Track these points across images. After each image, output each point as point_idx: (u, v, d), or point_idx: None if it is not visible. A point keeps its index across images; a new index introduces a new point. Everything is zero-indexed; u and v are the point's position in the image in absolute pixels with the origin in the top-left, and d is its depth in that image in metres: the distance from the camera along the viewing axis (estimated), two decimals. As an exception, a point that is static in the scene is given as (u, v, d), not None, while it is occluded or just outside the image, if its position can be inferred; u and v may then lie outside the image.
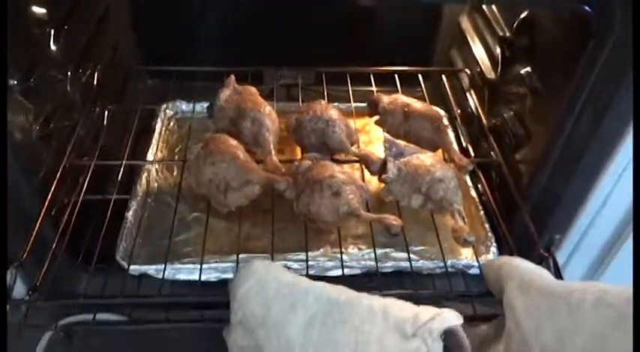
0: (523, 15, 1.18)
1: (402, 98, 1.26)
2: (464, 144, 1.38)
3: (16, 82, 0.96)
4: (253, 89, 1.25)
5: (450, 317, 0.58)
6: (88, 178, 1.13)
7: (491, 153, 1.24)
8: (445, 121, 1.34)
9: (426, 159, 1.08)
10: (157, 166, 1.29)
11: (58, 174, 1.06)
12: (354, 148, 1.17)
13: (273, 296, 0.69)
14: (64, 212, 1.05)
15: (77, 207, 1.07)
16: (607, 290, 0.64)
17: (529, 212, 1.05)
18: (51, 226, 1.01)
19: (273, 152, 1.11)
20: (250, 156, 1.09)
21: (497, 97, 1.30)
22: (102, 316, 0.95)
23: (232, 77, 1.26)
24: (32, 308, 0.91)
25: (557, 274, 0.96)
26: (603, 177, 0.94)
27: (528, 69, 1.15)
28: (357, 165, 1.21)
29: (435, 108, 1.29)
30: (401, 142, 1.24)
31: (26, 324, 0.89)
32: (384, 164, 1.08)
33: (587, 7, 0.81)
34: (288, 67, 1.50)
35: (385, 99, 1.26)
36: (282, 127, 1.21)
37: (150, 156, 1.31)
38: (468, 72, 1.49)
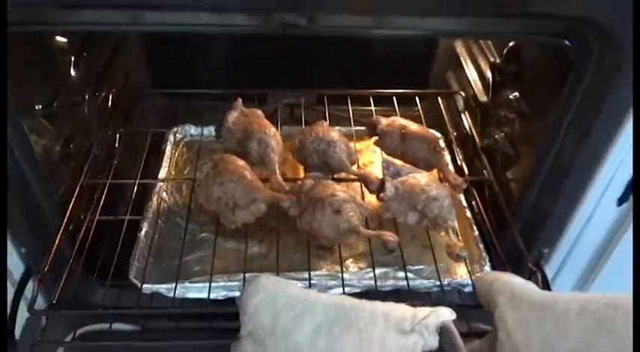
0: (511, 44, 1.24)
1: (399, 120, 1.31)
2: (459, 163, 1.42)
3: (40, 107, 1.02)
4: (259, 112, 1.30)
5: (444, 313, 0.62)
6: (103, 196, 1.19)
7: (484, 171, 1.29)
8: (441, 143, 1.38)
9: (421, 178, 1.12)
10: (166, 188, 1.33)
11: (76, 191, 1.12)
12: (354, 168, 1.22)
13: (282, 308, 0.72)
14: (80, 229, 1.11)
15: (93, 226, 1.12)
16: (589, 299, 0.69)
17: (519, 227, 1.10)
18: (68, 242, 1.06)
19: (277, 172, 1.16)
20: (256, 176, 1.14)
21: (489, 119, 1.36)
22: (117, 326, 1.00)
23: (239, 100, 1.32)
24: (52, 318, 0.96)
25: (546, 287, 1.00)
26: (588, 194, 0.99)
27: (516, 94, 1.21)
28: (357, 184, 1.25)
29: (431, 130, 1.34)
30: (398, 162, 1.29)
31: (44, 339, 0.94)
32: (382, 183, 1.13)
33: (566, 41, 0.86)
34: (291, 89, 1.56)
35: (383, 121, 1.31)
36: (285, 145, 1.25)
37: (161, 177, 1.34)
38: (463, 94, 1.54)
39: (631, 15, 0.75)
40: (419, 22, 0.84)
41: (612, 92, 0.85)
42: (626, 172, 0.95)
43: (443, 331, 0.61)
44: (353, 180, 1.25)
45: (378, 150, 1.35)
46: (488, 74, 1.38)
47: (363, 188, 1.22)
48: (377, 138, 1.32)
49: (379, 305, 0.67)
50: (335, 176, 1.23)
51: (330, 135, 1.23)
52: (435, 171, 1.25)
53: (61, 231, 1.02)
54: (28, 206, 0.96)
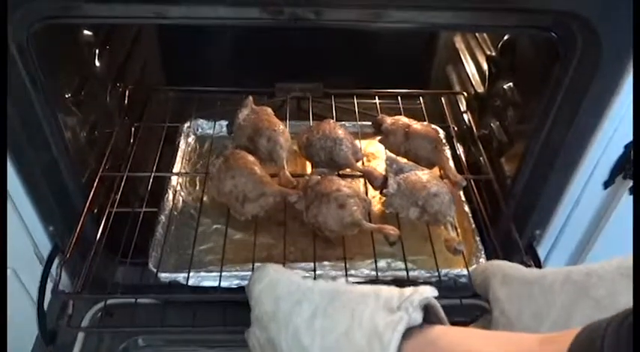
0: (505, 37, 1.30)
1: (403, 119, 1.36)
2: (460, 157, 1.44)
3: (70, 95, 1.09)
4: (269, 109, 1.35)
5: (427, 290, 0.66)
6: (122, 185, 1.25)
7: (480, 158, 1.35)
8: (443, 141, 1.42)
9: (423, 175, 1.16)
10: (180, 181, 1.38)
11: (98, 177, 1.18)
12: (358, 165, 1.27)
13: (282, 294, 0.76)
14: (103, 212, 1.16)
15: (114, 210, 1.18)
16: (571, 270, 0.75)
17: (513, 211, 1.15)
18: (92, 225, 1.13)
19: (286, 167, 1.21)
20: (265, 171, 1.19)
21: (486, 109, 1.41)
22: (142, 300, 1.07)
23: (250, 98, 1.37)
24: (77, 300, 1.02)
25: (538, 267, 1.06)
26: (575, 178, 1.04)
27: (510, 84, 1.27)
28: (361, 180, 1.30)
29: (434, 126, 1.38)
30: (401, 160, 1.30)
31: (70, 324, 0.99)
32: (385, 179, 1.17)
33: (553, 34, 0.91)
34: (299, 83, 1.59)
35: (388, 120, 1.36)
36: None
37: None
38: (465, 94, 1.59)
39: (608, 12, 0.81)
40: (417, 15, 0.89)
41: (593, 83, 0.90)
42: (611, 157, 1.00)
43: (428, 307, 0.65)
44: (357, 176, 1.29)
45: (382, 147, 1.39)
46: (485, 67, 1.43)
47: (367, 184, 1.26)
48: (381, 136, 1.36)
49: (370, 287, 0.71)
50: (340, 172, 1.27)
51: (337, 132, 1.27)
52: (436, 168, 1.29)
53: (84, 211, 1.08)
54: (57, 186, 1.02)
